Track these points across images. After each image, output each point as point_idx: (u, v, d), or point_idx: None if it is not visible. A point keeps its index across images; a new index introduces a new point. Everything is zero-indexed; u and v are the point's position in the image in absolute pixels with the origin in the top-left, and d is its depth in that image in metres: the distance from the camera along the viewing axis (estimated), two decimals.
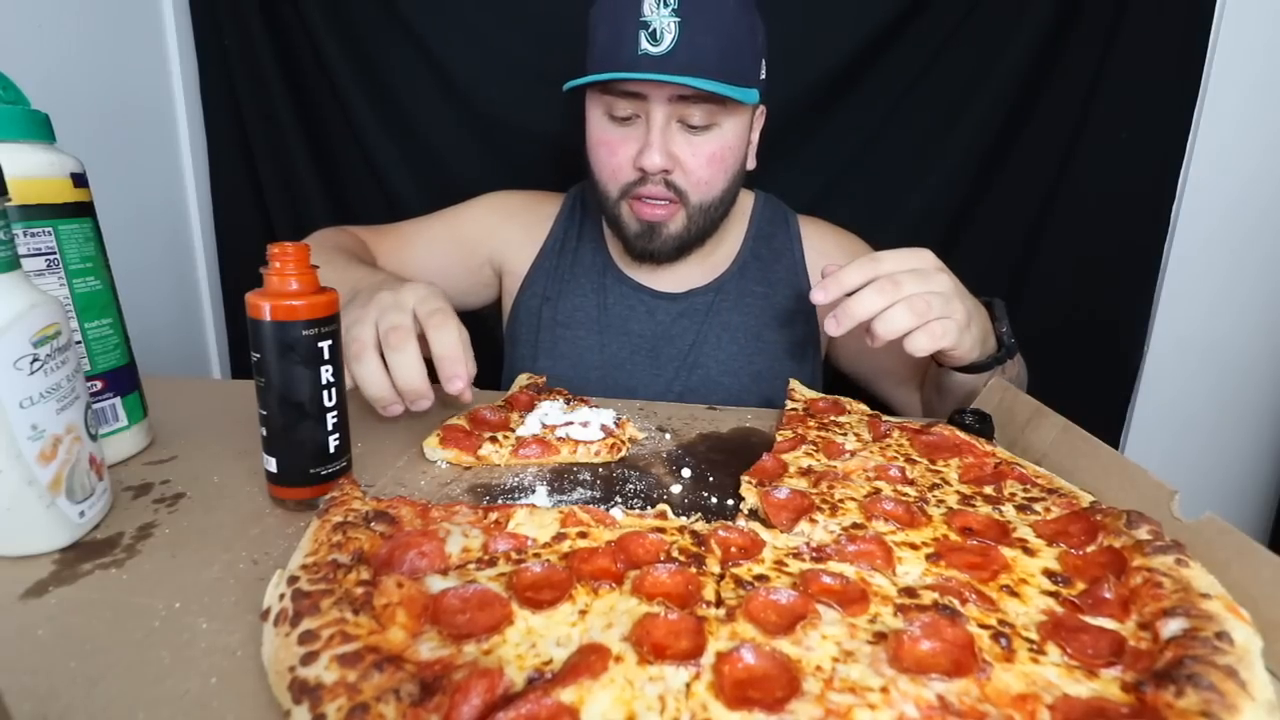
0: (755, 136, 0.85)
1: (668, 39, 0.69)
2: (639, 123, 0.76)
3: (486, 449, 0.57)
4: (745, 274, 0.90)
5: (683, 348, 0.88)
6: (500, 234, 0.95)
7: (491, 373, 0.97)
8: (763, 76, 0.79)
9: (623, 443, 0.60)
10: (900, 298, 0.59)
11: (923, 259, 0.62)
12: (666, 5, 0.69)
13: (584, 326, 0.90)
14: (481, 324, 1.01)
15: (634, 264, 0.89)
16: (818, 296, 0.61)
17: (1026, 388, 0.73)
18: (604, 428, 0.60)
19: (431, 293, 0.58)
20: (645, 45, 0.70)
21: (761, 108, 0.84)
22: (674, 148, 0.76)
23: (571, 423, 0.61)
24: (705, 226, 0.82)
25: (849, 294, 0.60)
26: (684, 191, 0.78)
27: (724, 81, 0.71)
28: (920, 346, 0.59)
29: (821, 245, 0.92)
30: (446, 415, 0.62)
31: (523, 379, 0.74)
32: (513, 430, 0.61)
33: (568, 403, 0.67)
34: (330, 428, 0.48)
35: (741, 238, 0.92)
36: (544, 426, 0.61)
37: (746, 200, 0.94)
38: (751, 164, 0.86)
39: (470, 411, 0.62)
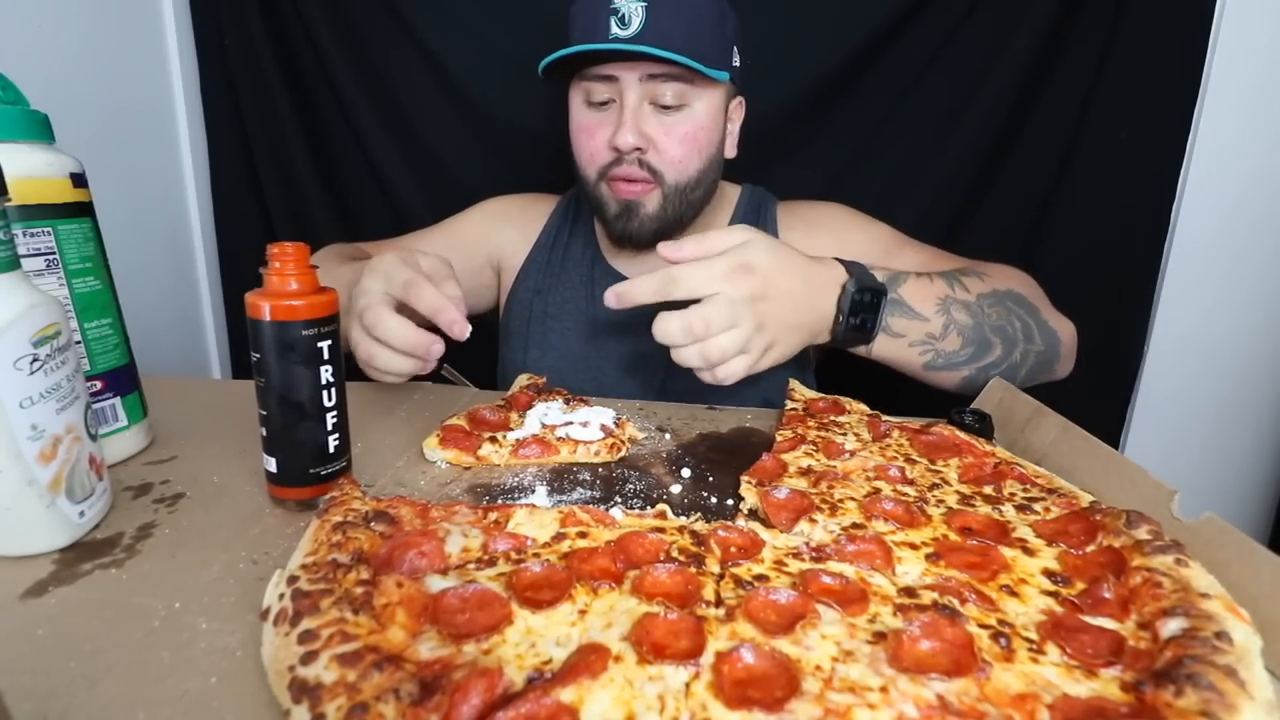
0: (734, 127, 0.87)
1: (635, 22, 0.72)
2: (614, 107, 0.79)
3: (486, 449, 0.57)
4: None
5: None
6: (497, 234, 0.97)
7: (489, 370, 0.97)
8: (735, 63, 0.81)
9: (622, 443, 0.60)
10: (694, 340, 0.57)
11: (721, 276, 0.58)
12: None
13: (573, 318, 0.91)
14: (479, 320, 1.02)
15: (620, 256, 0.91)
16: (609, 301, 0.60)
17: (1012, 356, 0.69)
18: (604, 427, 0.60)
19: (395, 265, 0.60)
20: (615, 29, 0.73)
21: (740, 99, 0.86)
22: (647, 128, 0.78)
23: (571, 423, 0.61)
24: (682, 210, 0.83)
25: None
26: (659, 171, 0.80)
27: (692, 59, 0.73)
28: (706, 380, 0.60)
29: (793, 224, 0.93)
30: (446, 415, 0.62)
31: (523, 379, 0.74)
32: (512, 430, 0.61)
33: (567, 403, 0.67)
34: (330, 428, 0.48)
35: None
36: (544, 426, 0.61)
37: (733, 193, 0.95)
38: (731, 153, 0.87)
39: (469, 411, 0.62)
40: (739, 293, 0.58)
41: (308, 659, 0.30)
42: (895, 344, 0.68)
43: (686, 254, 0.59)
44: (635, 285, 0.59)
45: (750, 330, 0.58)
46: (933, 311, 0.68)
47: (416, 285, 0.58)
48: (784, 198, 0.98)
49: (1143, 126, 1.06)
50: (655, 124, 0.78)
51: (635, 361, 0.89)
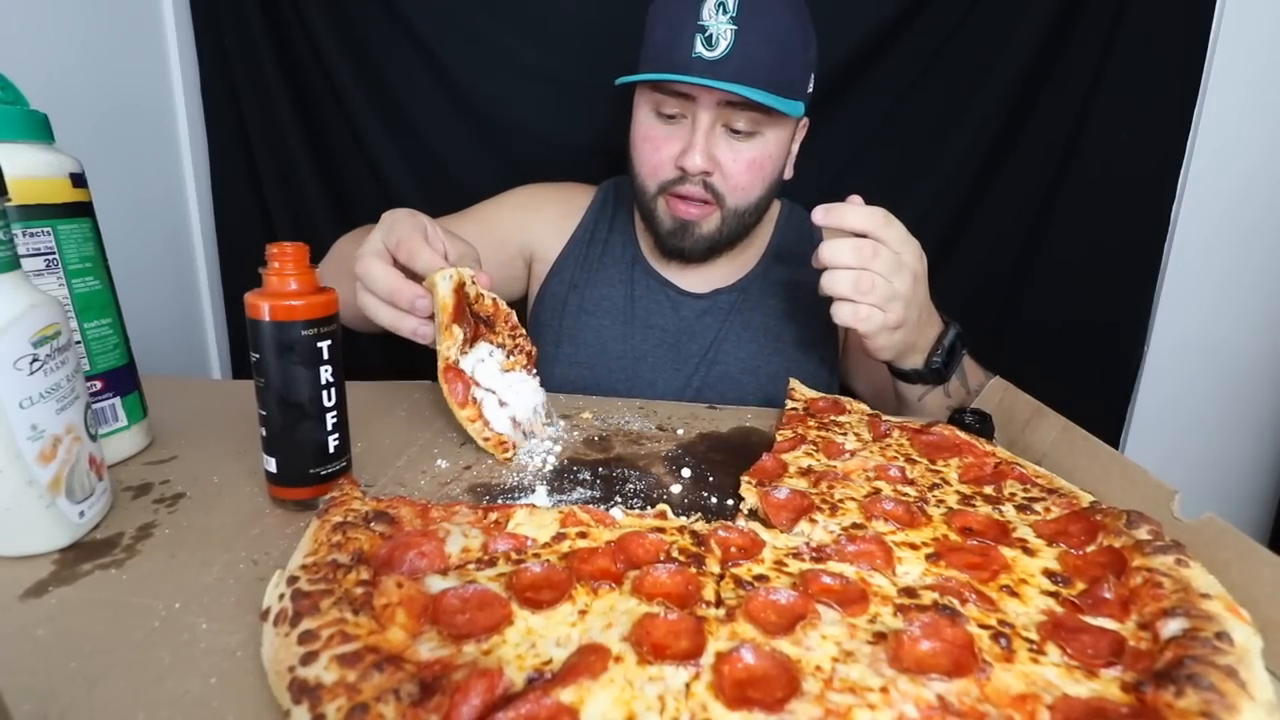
0: (795, 148, 0.86)
1: (723, 45, 0.71)
2: (685, 123, 0.78)
3: (457, 332, 0.55)
4: (769, 276, 0.92)
5: (704, 344, 0.89)
6: (531, 226, 0.96)
7: None
8: (810, 90, 0.80)
9: (512, 446, 0.58)
10: (860, 267, 0.61)
11: (912, 255, 0.64)
12: (725, 11, 0.71)
13: (609, 316, 0.91)
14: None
15: (662, 260, 0.91)
16: (818, 216, 0.62)
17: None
18: (514, 420, 0.58)
19: (398, 221, 0.59)
20: (700, 49, 0.72)
21: (805, 120, 0.86)
22: (716, 151, 0.77)
23: (495, 391, 0.58)
24: (738, 230, 0.83)
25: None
26: (721, 195, 0.79)
27: (773, 92, 0.72)
28: (841, 316, 0.63)
29: None
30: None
31: (450, 282, 0.56)
32: (456, 347, 0.56)
33: (508, 356, 0.61)
34: (330, 428, 0.48)
35: (767, 241, 0.94)
36: (471, 376, 0.57)
37: (774, 207, 0.95)
38: (789, 174, 0.87)
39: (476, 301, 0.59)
40: (911, 263, 0.63)
41: (308, 659, 0.30)
42: (941, 401, 0.73)
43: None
44: (852, 211, 0.62)
45: (899, 294, 0.62)
46: (973, 389, 0.73)
47: (410, 243, 0.56)
48: (783, 197, 0.98)
49: (1143, 126, 1.06)
50: (725, 148, 0.77)
51: (671, 362, 0.89)
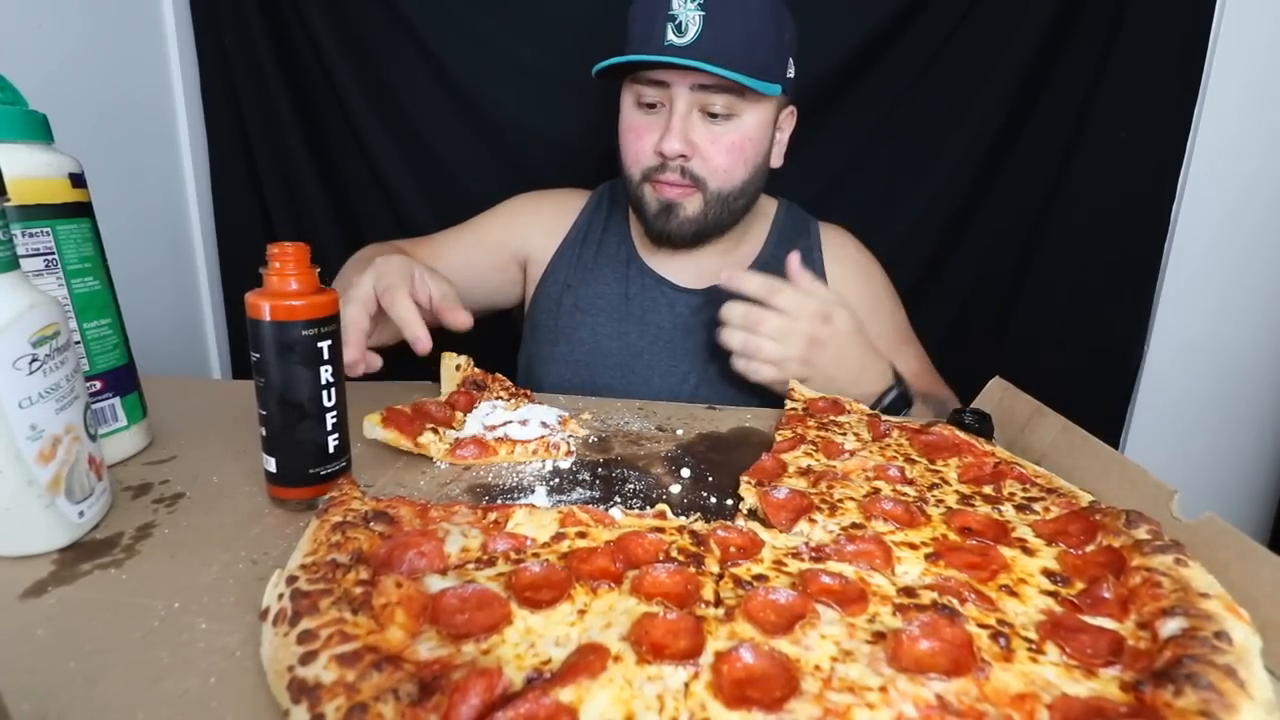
0: (783, 136, 0.88)
1: (692, 30, 0.73)
2: (664, 111, 0.79)
3: (427, 437, 0.56)
4: (765, 274, 0.92)
5: (701, 341, 0.90)
6: (524, 230, 0.97)
7: (510, 363, 0.97)
8: (790, 74, 0.82)
9: (561, 442, 0.59)
10: (746, 329, 0.72)
11: (809, 319, 0.71)
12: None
13: (604, 314, 0.92)
14: (504, 316, 1.03)
15: (657, 256, 0.91)
16: (721, 278, 0.73)
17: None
18: (544, 425, 0.59)
19: (383, 274, 0.65)
20: (671, 36, 0.74)
21: (791, 108, 0.87)
22: (693, 135, 0.79)
23: (510, 421, 0.59)
24: (723, 216, 0.84)
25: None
26: (701, 179, 0.81)
27: (744, 73, 0.73)
28: (736, 366, 0.74)
29: (841, 254, 0.94)
30: (393, 402, 0.61)
31: (453, 363, 0.70)
32: (454, 429, 0.59)
33: (509, 399, 0.65)
34: (330, 428, 0.48)
35: (763, 239, 0.94)
36: (484, 427, 0.59)
37: (770, 205, 0.96)
38: (777, 162, 0.88)
39: (416, 403, 0.61)
40: (806, 327, 0.71)
41: (307, 659, 0.30)
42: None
43: (800, 281, 0.74)
44: (747, 278, 0.72)
45: (793, 356, 0.71)
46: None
47: (392, 293, 0.63)
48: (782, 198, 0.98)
49: (1143, 126, 1.06)
50: (703, 132, 0.79)
51: (668, 359, 0.89)
